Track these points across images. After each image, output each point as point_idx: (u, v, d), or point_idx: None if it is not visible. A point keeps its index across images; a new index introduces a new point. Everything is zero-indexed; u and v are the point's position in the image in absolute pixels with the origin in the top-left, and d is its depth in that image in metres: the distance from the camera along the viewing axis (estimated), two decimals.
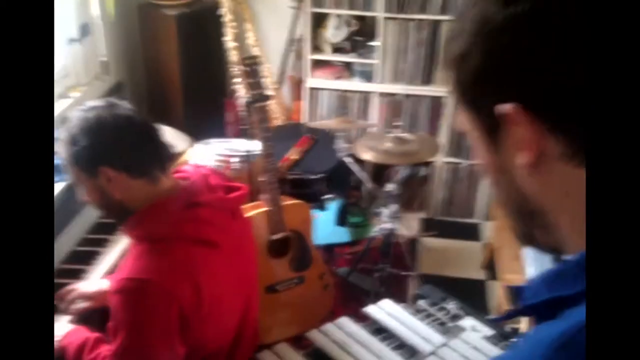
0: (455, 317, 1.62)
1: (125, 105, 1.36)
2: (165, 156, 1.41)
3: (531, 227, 0.59)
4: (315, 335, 1.50)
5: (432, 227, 3.66)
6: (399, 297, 1.69)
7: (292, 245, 2.34)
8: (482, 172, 0.62)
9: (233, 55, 3.26)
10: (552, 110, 0.51)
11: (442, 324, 1.59)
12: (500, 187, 0.60)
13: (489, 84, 0.53)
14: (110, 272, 1.79)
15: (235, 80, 3.25)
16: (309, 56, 3.50)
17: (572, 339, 0.47)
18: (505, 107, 0.52)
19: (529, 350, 0.49)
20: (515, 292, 0.60)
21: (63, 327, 1.52)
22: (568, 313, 0.50)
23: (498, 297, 2.91)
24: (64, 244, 1.86)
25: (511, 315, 0.60)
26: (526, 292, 0.57)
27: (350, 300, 2.86)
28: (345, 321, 1.57)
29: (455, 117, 0.65)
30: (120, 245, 1.92)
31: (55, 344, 1.46)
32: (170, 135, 2.12)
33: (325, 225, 3.17)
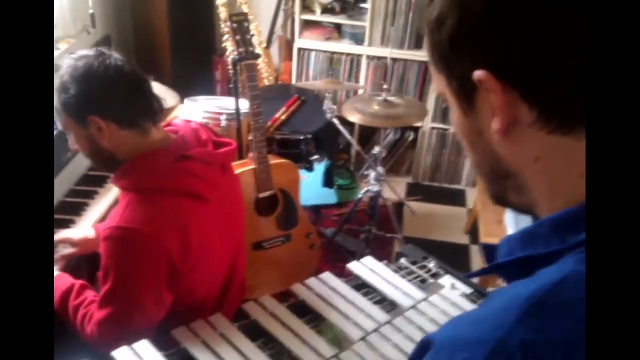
0: (436, 275, 1.66)
1: (115, 56, 1.35)
2: (155, 108, 1.41)
3: (504, 189, 0.61)
4: (299, 288, 1.53)
5: (418, 191, 3.70)
6: (384, 259, 1.72)
7: (279, 204, 2.37)
8: (458, 135, 0.64)
9: (222, 12, 3.23)
10: (523, 79, 0.52)
11: (423, 281, 1.63)
12: (475, 150, 0.61)
13: (463, 50, 0.54)
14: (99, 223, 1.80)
15: (224, 38, 3.22)
16: (299, 16, 3.47)
17: (547, 297, 0.48)
18: (477, 74, 0.53)
19: (503, 306, 0.50)
20: (490, 251, 0.61)
21: None
22: (542, 272, 0.51)
23: (480, 261, 2.98)
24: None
25: (485, 272, 0.62)
26: (501, 250, 0.59)
27: (336, 261, 2.91)
28: (329, 276, 1.60)
29: (433, 80, 0.68)
30: (108, 198, 1.93)
31: None
32: (159, 91, 2.11)
33: (312, 187, 3.20)
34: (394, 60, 3.46)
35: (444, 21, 0.55)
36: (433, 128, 3.62)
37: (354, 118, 2.70)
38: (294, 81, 3.61)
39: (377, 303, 1.51)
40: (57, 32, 2.73)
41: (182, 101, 2.60)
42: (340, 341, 1.35)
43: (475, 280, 2.53)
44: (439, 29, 0.55)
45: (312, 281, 1.57)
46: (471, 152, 0.62)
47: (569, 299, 0.47)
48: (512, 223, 2.27)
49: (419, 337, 1.37)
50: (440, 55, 0.57)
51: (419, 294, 1.54)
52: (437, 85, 0.61)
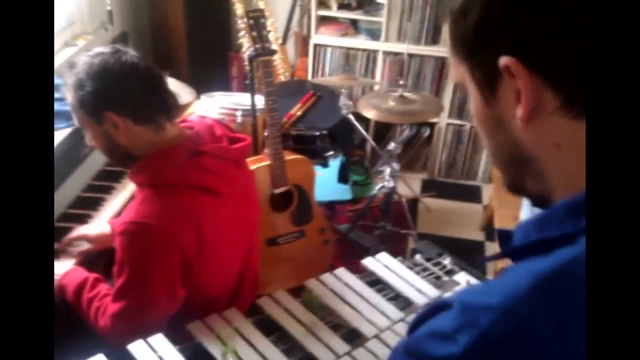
0: (450, 272, 1.65)
1: (131, 52, 1.37)
2: (170, 104, 1.42)
3: (522, 176, 0.62)
4: (312, 283, 1.54)
5: (433, 187, 3.69)
6: (398, 255, 1.72)
7: (293, 200, 2.37)
8: (476, 123, 0.64)
9: (238, 9, 3.23)
10: (549, 64, 0.52)
11: (437, 278, 1.63)
12: (494, 138, 0.62)
13: (488, 37, 0.55)
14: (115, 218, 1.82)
15: (240, 34, 3.23)
16: (315, 12, 3.47)
17: (557, 274, 0.50)
18: (503, 60, 0.54)
19: (515, 279, 0.52)
20: (505, 237, 0.62)
21: (63, 267, 1.56)
22: (556, 252, 0.52)
23: None
24: (70, 188, 1.89)
25: (500, 256, 0.63)
26: (516, 234, 0.59)
27: (350, 257, 2.91)
28: (343, 272, 1.60)
29: (452, 70, 0.69)
30: (125, 193, 1.94)
31: (55, 282, 1.51)
32: (175, 87, 2.12)
33: (327, 182, 3.21)
34: (410, 55, 3.45)
35: (469, 9, 0.55)
36: (449, 124, 3.60)
37: (370, 114, 2.70)
38: (309, 77, 3.60)
39: (391, 299, 1.51)
40: (75, 29, 2.76)
41: (198, 97, 2.61)
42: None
43: (490, 276, 2.52)
44: (463, 17, 0.56)
45: (326, 276, 1.58)
46: (489, 141, 0.63)
47: (578, 278, 0.48)
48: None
49: None
50: (464, 43, 0.58)
51: (433, 291, 1.54)
52: (457, 74, 0.62)
